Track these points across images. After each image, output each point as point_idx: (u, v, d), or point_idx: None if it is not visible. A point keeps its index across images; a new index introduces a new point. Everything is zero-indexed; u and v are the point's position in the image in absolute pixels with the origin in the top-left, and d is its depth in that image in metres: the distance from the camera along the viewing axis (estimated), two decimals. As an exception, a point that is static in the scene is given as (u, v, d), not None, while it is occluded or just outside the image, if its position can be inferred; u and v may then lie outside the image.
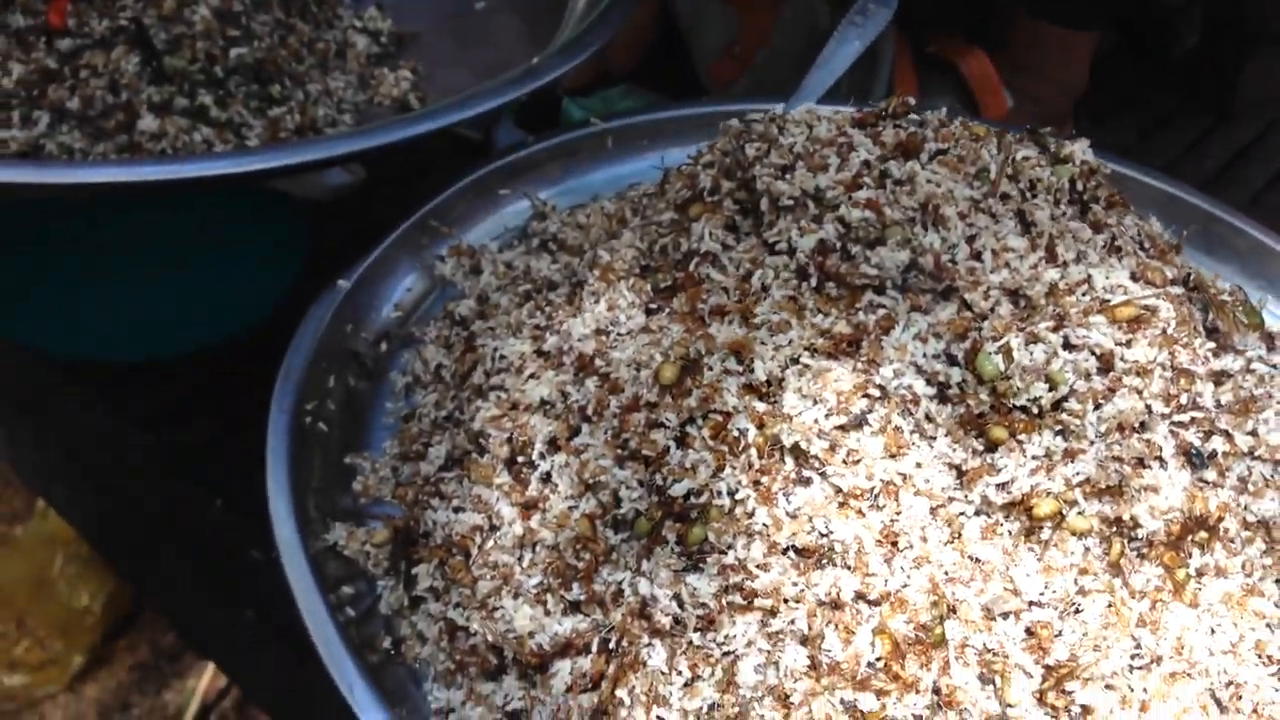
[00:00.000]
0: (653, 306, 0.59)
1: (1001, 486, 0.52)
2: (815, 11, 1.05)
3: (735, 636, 0.51)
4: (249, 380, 0.98)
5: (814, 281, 0.56)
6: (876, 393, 0.53)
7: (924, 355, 0.54)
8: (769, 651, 0.50)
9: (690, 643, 0.51)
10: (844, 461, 0.52)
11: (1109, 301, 0.55)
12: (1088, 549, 0.53)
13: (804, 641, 0.50)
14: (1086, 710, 0.50)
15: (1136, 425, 0.54)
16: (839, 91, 0.90)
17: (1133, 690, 0.52)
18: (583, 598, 0.54)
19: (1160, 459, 0.54)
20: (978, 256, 0.56)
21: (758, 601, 0.51)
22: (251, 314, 0.98)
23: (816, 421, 0.52)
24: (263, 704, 0.94)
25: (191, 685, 1.77)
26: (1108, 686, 0.51)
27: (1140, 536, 0.53)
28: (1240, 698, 0.52)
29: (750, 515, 0.52)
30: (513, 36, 0.94)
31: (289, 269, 1.00)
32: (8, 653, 1.85)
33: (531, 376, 0.60)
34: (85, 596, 1.81)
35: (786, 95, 0.86)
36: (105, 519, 0.98)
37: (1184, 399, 0.55)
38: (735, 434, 0.53)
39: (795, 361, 0.54)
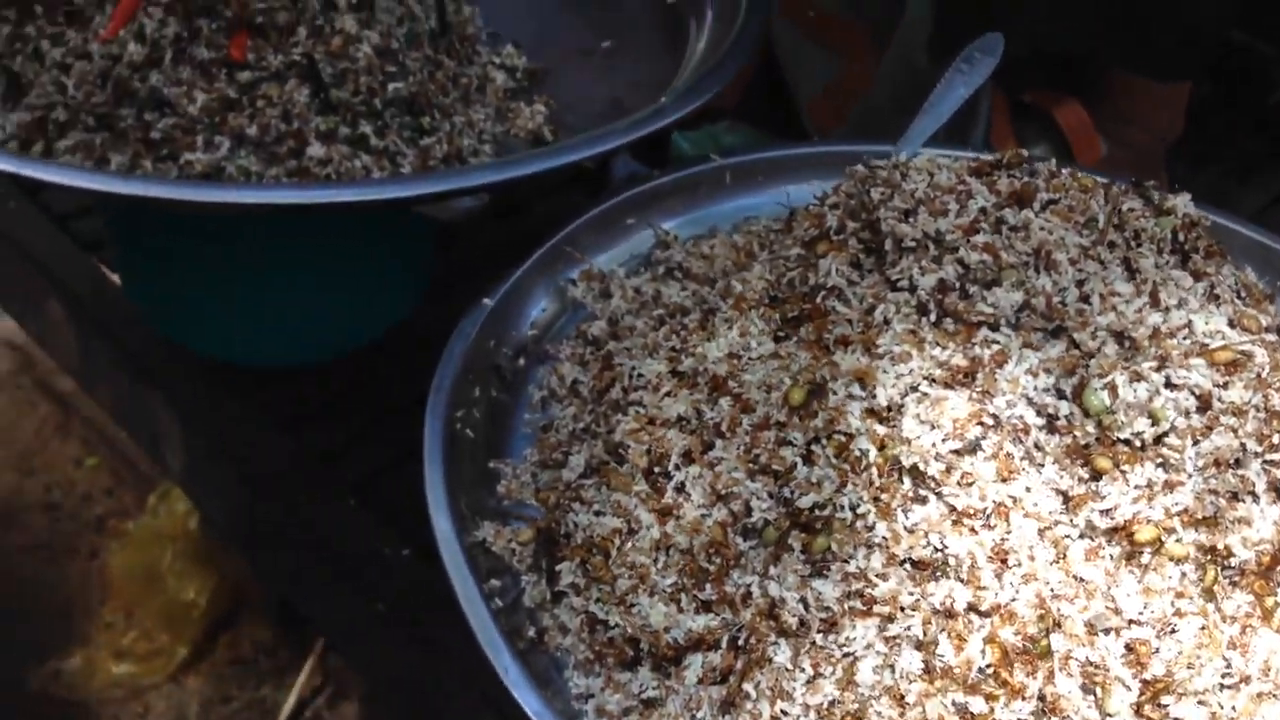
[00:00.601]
0: (781, 334, 0.65)
1: (1105, 513, 0.57)
2: (916, 58, 1.10)
3: (855, 639, 0.56)
4: (378, 387, 1.05)
5: (933, 317, 0.61)
6: (990, 421, 0.58)
7: (1035, 388, 0.59)
8: (886, 654, 0.55)
9: (813, 643, 0.56)
10: (958, 483, 0.57)
11: (1208, 346, 0.60)
12: (1184, 574, 0.57)
13: (919, 646, 0.55)
14: (1180, 723, 0.55)
15: (1232, 461, 0.59)
16: (938, 136, 0.95)
17: (1222, 707, 0.56)
18: (714, 598, 0.59)
19: (1253, 494, 0.59)
20: (1086, 299, 0.61)
21: (877, 608, 0.56)
22: (383, 323, 1.06)
23: (933, 445, 0.58)
24: (387, 696, 1.00)
25: (289, 681, 1.84)
26: (1200, 702, 0.55)
27: (1233, 565, 0.58)
28: (1323, 718, 0.56)
29: (870, 528, 0.57)
30: (635, 74, 1.00)
31: (418, 283, 1.07)
32: (116, 642, 1.94)
33: (668, 395, 0.66)
34: (191, 591, 1.89)
35: (893, 137, 0.91)
36: (243, 514, 1.05)
37: (1276, 439, 0.59)
38: (857, 453, 0.59)
39: (914, 389, 0.59)
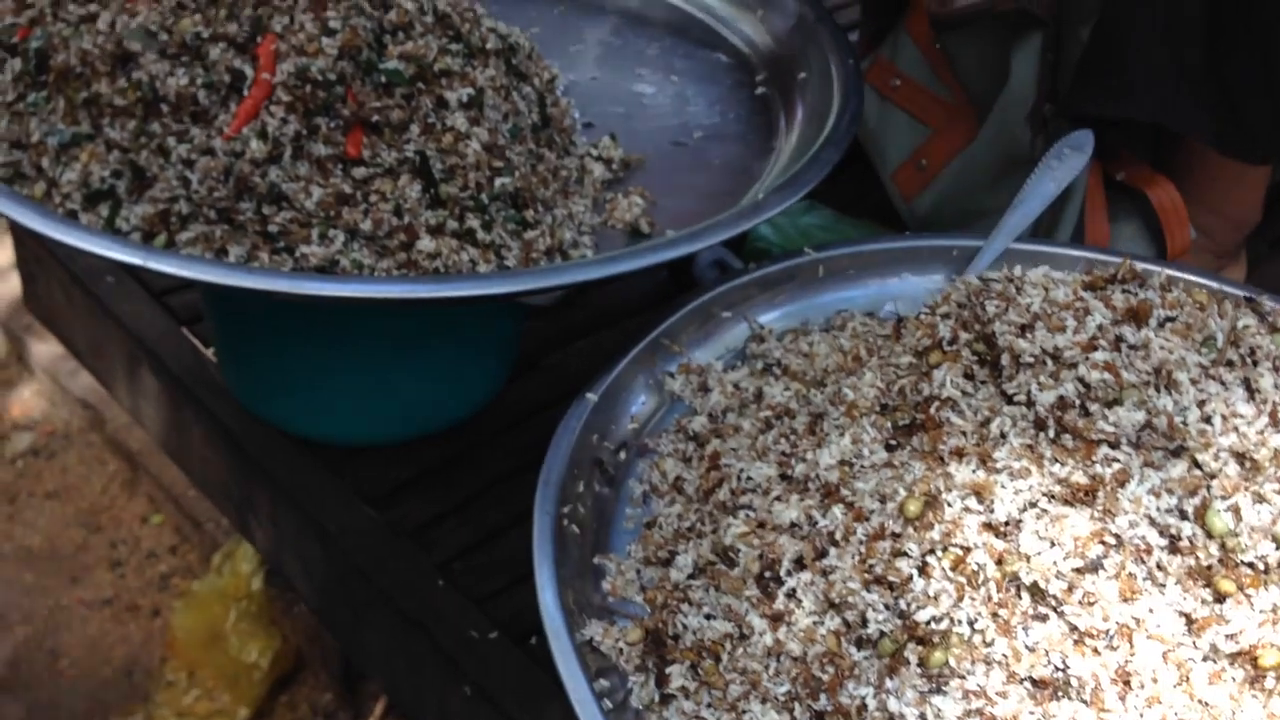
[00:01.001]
0: (893, 443, 0.66)
1: (1230, 636, 0.57)
2: (1015, 135, 1.10)
3: (976, 757, 0.56)
4: (467, 464, 1.07)
5: (1051, 433, 0.62)
6: (1112, 540, 0.58)
7: (1157, 509, 0.59)
8: (1009, 773, 0.55)
9: (934, 759, 0.56)
10: (1080, 602, 0.57)
11: (1328, 465, 0.60)
12: (1308, 699, 0.57)
13: (1042, 767, 0.55)
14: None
15: (1357, 587, 0.58)
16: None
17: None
18: (829, 709, 0.60)
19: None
20: (1208, 420, 0.61)
21: (998, 726, 0.56)
22: (473, 401, 1.08)
23: (1054, 563, 0.58)
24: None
25: (346, 746, 1.85)
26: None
27: (1357, 690, 0.57)
28: None
29: (989, 644, 0.57)
30: (728, 165, 1.02)
31: (505, 361, 1.09)
32: (178, 701, 1.95)
33: (778, 499, 0.66)
34: (254, 652, 1.91)
35: (984, 211, 0.92)
36: (330, 589, 1.06)
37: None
38: (975, 568, 0.59)
39: (1033, 505, 0.59)
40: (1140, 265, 0.70)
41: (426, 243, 0.82)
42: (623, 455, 0.81)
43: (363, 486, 1.05)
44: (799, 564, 0.64)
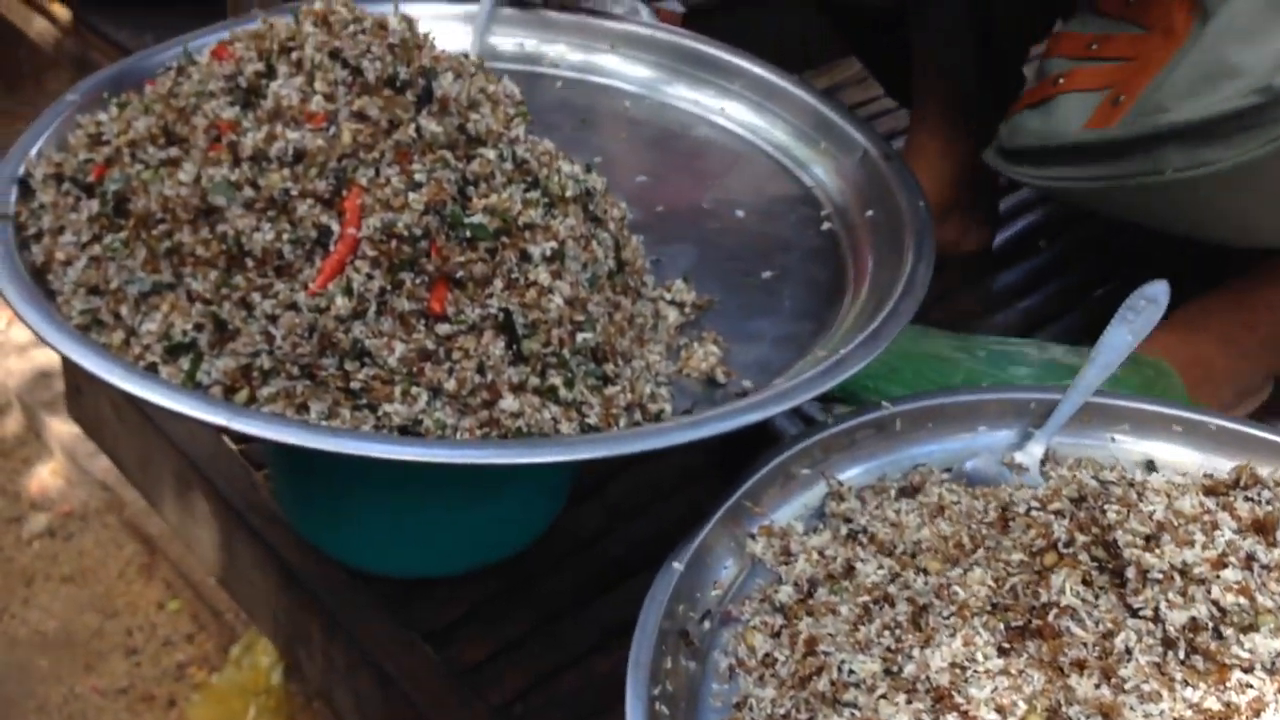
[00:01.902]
0: (1006, 646, 0.64)
1: None
2: None
3: None
4: (524, 596, 1.05)
5: (1182, 654, 0.60)
6: (1249, 771, 0.56)
7: (1294, 737, 0.57)
8: None
9: None
10: (1216, 834, 0.55)
11: None
12: None
13: None
14: None
15: None
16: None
17: None
18: None
19: None
20: (1346, 645, 0.59)
21: None
22: (531, 534, 1.06)
23: (1189, 790, 0.56)
24: None
25: None
26: None
27: None
28: None
29: None
30: (799, 309, 1.01)
31: (563, 493, 1.08)
32: (194, 798, 1.92)
33: (883, 698, 0.65)
34: (272, 751, 1.88)
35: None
36: (387, 726, 1.04)
37: None
38: (1101, 790, 0.57)
39: (1164, 728, 0.58)
40: (1262, 470, 0.68)
41: (509, 401, 0.80)
42: (707, 625, 0.79)
43: (419, 622, 1.03)
44: (910, 770, 0.62)
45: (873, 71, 1.57)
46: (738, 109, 1.21)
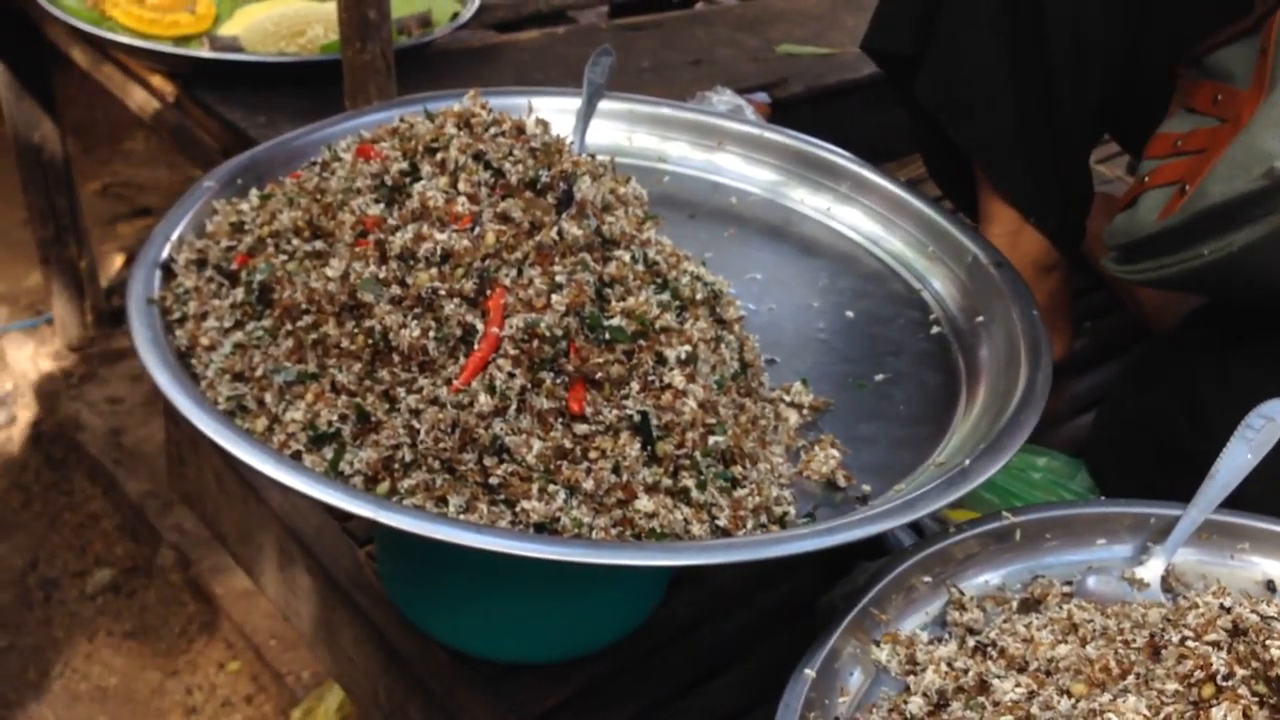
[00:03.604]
0: (1160, 775, 0.64)
1: None
2: None
3: None
4: (619, 686, 1.05)
5: (1348, 795, 0.60)
6: None
7: None
8: None
9: None
10: None
11: None
12: None
13: None
14: None
15: None
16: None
17: None
18: None
19: None
20: None
21: None
22: (633, 621, 1.07)
23: None
24: None
25: None
26: None
27: None
28: None
29: None
30: (913, 413, 1.02)
31: (663, 584, 1.08)
32: None
33: (1033, 822, 0.65)
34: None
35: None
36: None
37: None
38: None
39: None
40: None
41: (644, 502, 0.82)
42: (835, 733, 0.79)
43: (519, 705, 1.04)
44: None
45: (931, 170, 1.57)
46: (846, 211, 1.23)
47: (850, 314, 1.13)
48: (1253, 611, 0.69)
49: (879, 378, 1.05)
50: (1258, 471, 0.94)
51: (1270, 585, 0.90)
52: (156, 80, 1.85)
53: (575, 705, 1.05)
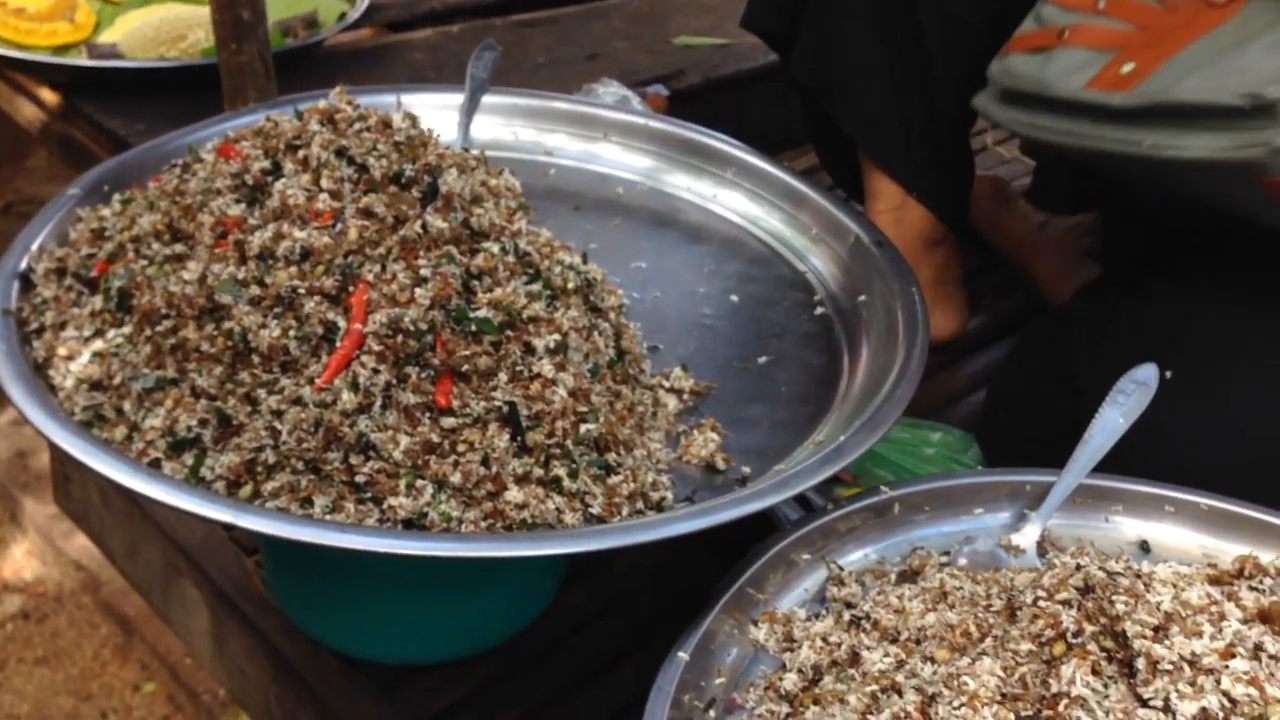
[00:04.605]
0: (1017, 736, 0.64)
1: None
2: None
3: None
4: (516, 681, 1.04)
5: (1194, 744, 0.61)
6: None
7: (1307, 830, 0.58)
8: None
9: None
10: None
11: None
12: None
13: None
14: None
15: None
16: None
17: None
18: None
19: None
20: (1354, 735, 0.60)
21: None
22: (522, 621, 1.06)
23: None
24: None
25: None
26: None
27: None
28: None
29: None
30: (795, 394, 1.02)
31: (554, 583, 1.08)
32: None
33: (898, 791, 0.65)
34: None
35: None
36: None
37: None
38: None
39: (1182, 820, 0.58)
40: (1263, 557, 0.70)
41: (514, 493, 0.81)
42: (712, 713, 0.79)
43: (415, 708, 1.03)
44: None
45: (821, 158, 1.57)
46: (731, 196, 1.23)
47: (735, 298, 1.13)
48: (1100, 569, 0.70)
49: (762, 360, 1.06)
50: (1131, 435, 0.96)
51: (1144, 546, 0.91)
52: (45, 92, 1.81)
53: (473, 703, 1.04)
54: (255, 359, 0.81)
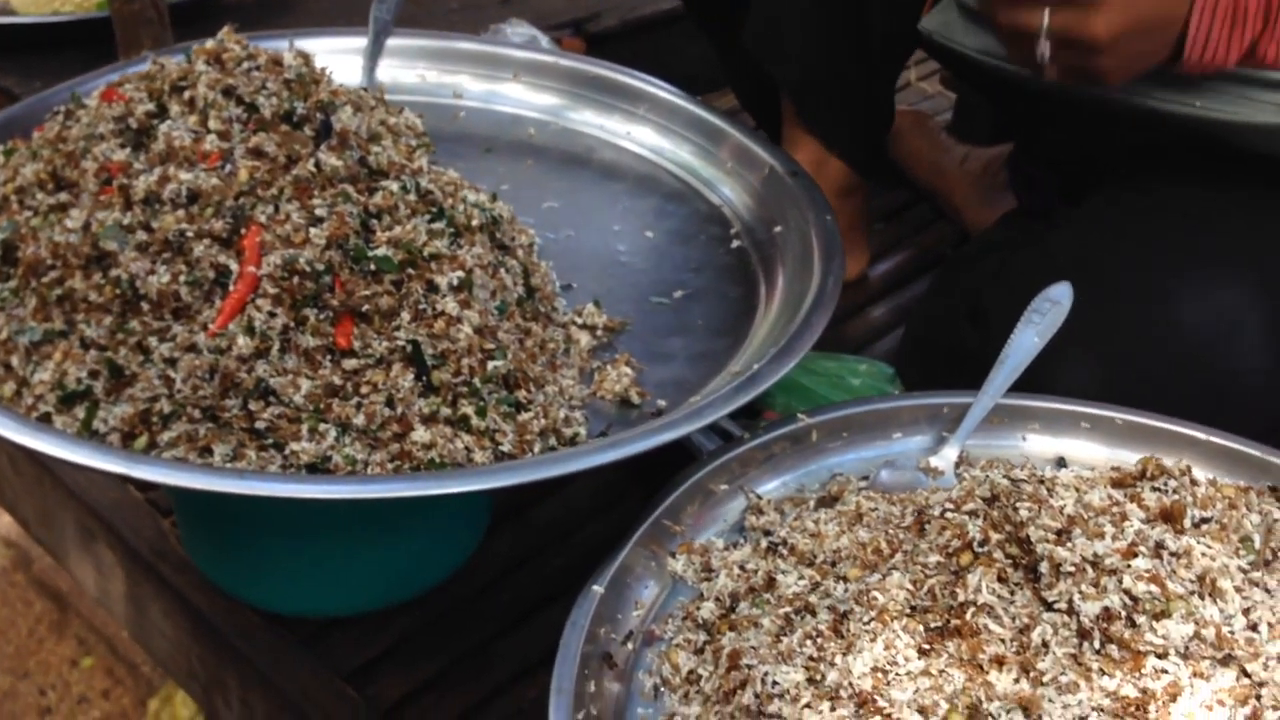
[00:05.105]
0: (926, 647, 0.64)
1: None
2: None
3: None
4: (443, 630, 1.03)
5: (1097, 644, 0.61)
6: (1170, 757, 0.57)
7: (1211, 722, 0.58)
8: None
9: None
10: (1140, 824, 0.56)
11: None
12: None
13: None
14: None
15: None
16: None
17: None
18: None
19: None
20: (1254, 628, 0.61)
21: None
22: (450, 566, 1.04)
23: (1111, 782, 0.57)
24: None
25: None
26: None
27: None
28: None
29: None
30: (712, 326, 1.01)
31: (481, 523, 1.06)
32: None
33: (808, 707, 0.64)
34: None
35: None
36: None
37: None
38: (1025, 786, 0.58)
39: (1083, 720, 0.58)
40: (1167, 460, 0.70)
41: (421, 433, 0.79)
42: (630, 646, 0.78)
43: (339, 661, 1.01)
44: (839, 780, 0.62)
45: (742, 102, 1.57)
46: (644, 132, 1.21)
47: (650, 234, 1.12)
48: (1005, 477, 0.70)
49: (679, 295, 1.04)
50: (1047, 354, 0.96)
51: (1060, 462, 0.91)
52: (-58, 55, 1.74)
53: (398, 654, 1.03)
54: (145, 307, 0.78)
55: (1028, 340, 0.97)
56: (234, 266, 0.80)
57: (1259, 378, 0.99)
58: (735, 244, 1.11)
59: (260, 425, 0.77)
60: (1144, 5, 0.90)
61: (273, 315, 0.78)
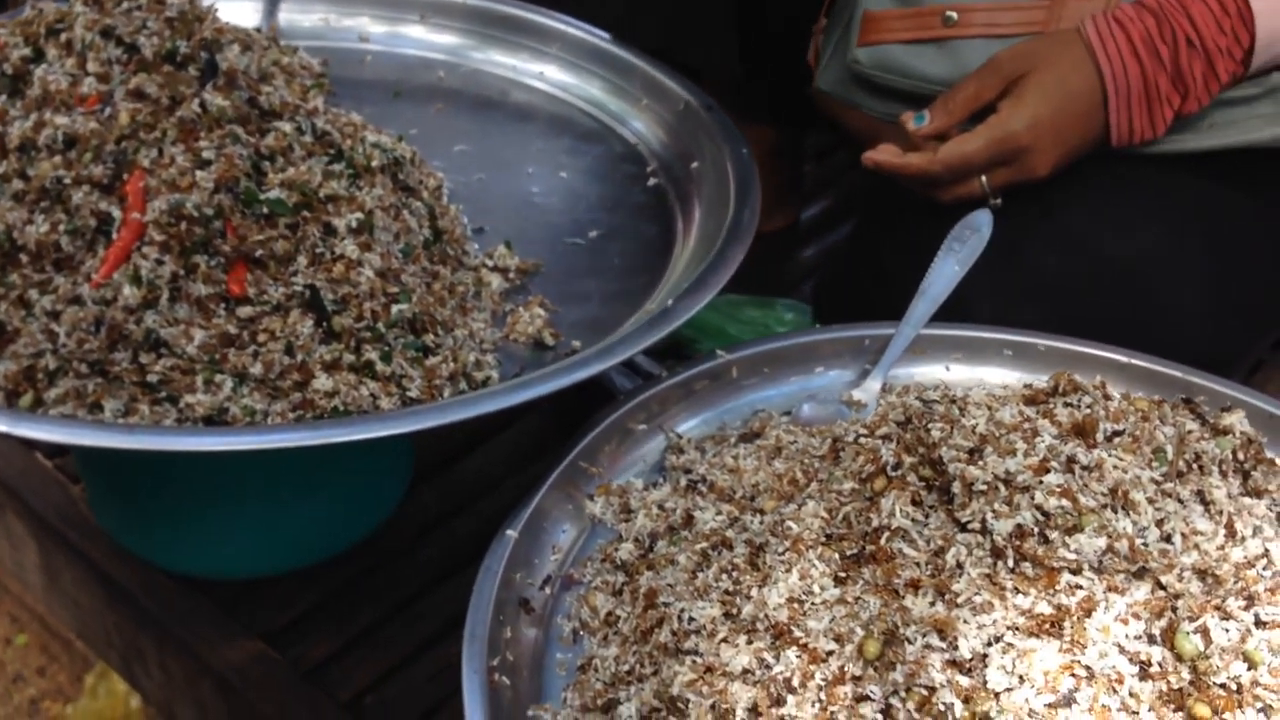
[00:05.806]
0: (842, 575, 0.63)
1: (1209, 762, 0.55)
2: None
3: None
4: (366, 588, 1.01)
5: (1011, 562, 0.60)
6: (1083, 673, 0.56)
7: (1125, 636, 0.57)
8: None
9: None
10: (1056, 740, 0.55)
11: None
12: (1289, 819, 0.56)
13: None
14: None
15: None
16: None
17: None
18: None
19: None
20: (1168, 539, 0.60)
21: None
22: (369, 523, 1.02)
23: (1026, 700, 0.56)
24: None
25: None
26: None
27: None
28: None
29: (966, 791, 0.54)
30: (628, 265, 0.99)
31: (402, 478, 1.04)
32: (49, 835, 1.82)
33: (724, 641, 0.63)
34: (133, 778, 1.80)
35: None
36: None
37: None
38: (941, 708, 0.56)
39: (999, 640, 0.57)
40: (1077, 377, 0.69)
41: (323, 381, 0.76)
42: (548, 590, 0.76)
43: (259, 623, 0.99)
44: (754, 713, 0.60)
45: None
46: (556, 71, 1.18)
47: (565, 174, 1.09)
48: (917, 398, 0.69)
49: (594, 234, 1.02)
50: (970, 282, 0.95)
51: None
52: None
53: (322, 612, 1.00)
54: (24, 259, 0.75)
55: (948, 269, 0.96)
56: (117, 214, 0.76)
57: (1184, 315, 0.99)
58: (652, 181, 1.08)
59: (152, 378, 0.74)
60: (1070, 135, 0.98)
61: (160, 263, 0.75)
